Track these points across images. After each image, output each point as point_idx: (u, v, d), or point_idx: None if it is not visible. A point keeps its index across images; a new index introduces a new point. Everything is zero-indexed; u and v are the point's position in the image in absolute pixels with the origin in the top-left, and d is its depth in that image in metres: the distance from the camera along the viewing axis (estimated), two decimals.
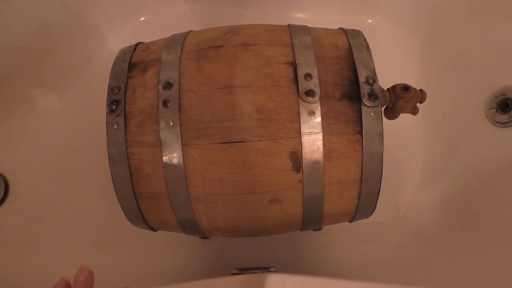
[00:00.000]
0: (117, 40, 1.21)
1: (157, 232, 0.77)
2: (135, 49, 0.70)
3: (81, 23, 1.16)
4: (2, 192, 1.10)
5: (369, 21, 1.20)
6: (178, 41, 0.67)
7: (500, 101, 0.92)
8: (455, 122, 1.01)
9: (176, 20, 1.22)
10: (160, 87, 0.61)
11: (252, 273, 0.72)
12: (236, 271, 0.76)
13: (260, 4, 1.19)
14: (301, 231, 0.75)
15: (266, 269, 0.75)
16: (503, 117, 0.91)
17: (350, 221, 0.75)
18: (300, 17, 1.19)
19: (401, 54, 1.15)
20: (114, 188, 0.64)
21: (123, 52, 0.70)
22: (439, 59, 1.08)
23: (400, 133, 1.01)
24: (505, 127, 0.91)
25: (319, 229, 1.01)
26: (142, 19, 1.24)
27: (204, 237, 0.99)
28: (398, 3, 1.15)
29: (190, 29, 0.74)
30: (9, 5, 1.02)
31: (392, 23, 1.17)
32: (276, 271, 0.73)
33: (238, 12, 1.20)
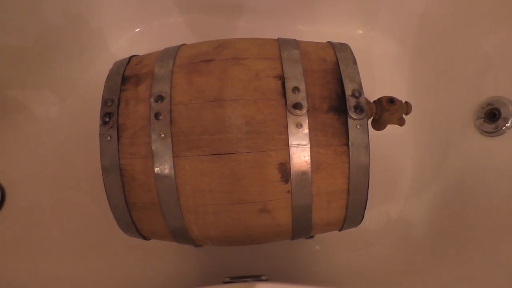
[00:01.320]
0: (113, 50, 1.23)
1: (150, 240, 0.78)
2: (128, 62, 0.72)
3: (77, 33, 1.18)
4: None
5: (360, 32, 1.22)
6: (171, 54, 0.69)
7: (488, 111, 0.94)
8: (444, 131, 1.03)
9: (171, 31, 1.24)
10: (152, 100, 0.63)
11: (243, 281, 0.73)
12: (228, 279, 0.77)
13: (254, 16, 1.21)
14: (291, 240, 0.76)
15: (257, 278, 0.77)
16: (490, 127, 0.93)
17: (339, 230, 0.76)
18: (293, 29, 1.21)
19: (391, 64, 1.17)
20: (107, 198, 0.65)
21: (117, 65, 0.72)
22: (428, 69, 1.10)
23: (390, 143, 1.03)
24: (493, 136, 0.92)
25: (311, 237, 1.02)
26: (137, 30, 1.26)
27: (197, 245, 1.00)
28: (389, 15, 1.17)
29: (186, 41, 0.76)
30: (6, 15, 1.04)
31: (382, 34, 1.20)
32: (267, 280, 0.74)
33: (233, 24, 1.22)
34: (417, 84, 1.12)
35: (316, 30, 1.19)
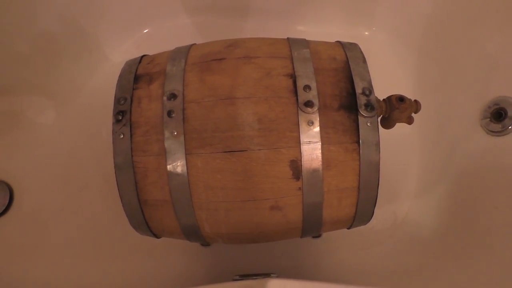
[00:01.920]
0: (120, 52, 1.24)
1: (159, 239, 0.79)
2: (140, 61, 0.73)
3: (85, 35, 1.19)
4: (7, 200, 1.11)
5: (366, 33, 1.23)
6: (182, 53, 0.70)
7: (494, 111, 0.94)
8: (451, 131, 1.04)
9: (178, 33, 1.25)
10: (165, 98, 0.64)
11: (253, 279, 0.74)
12: (237, 277, 0.78)
13: (260, 17, 1.22)
14: (300, 237, 0.76)
15: (267, 275, 0.77)
16: (497, 126, 0.93)
17: (348, 228, 0.77)
18: (299, 29, 1.22)
19: (397, 65, 1.18)
20: (120, 195, 0.66)
21: (128, 64, 0.73)
22: (434, 70, 1.11)
23: (397, 142, 1.03)
24: (499, 135, 0.93)
25: (319, 236, 1.03)
26: (145, 31, 1.27)
27: (205, 244, 1.01)
28: (394, 16, 1.18)
29: (193, 42, 0.77)
30: (14, 18, 1.05)
31: (389, 35, 1.20)
32: (276, 277, 0.74)
33: (239, 25, 1.23)
34: (423, 85, 1.12)
35: (323, 32, 1.20)
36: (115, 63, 1.21)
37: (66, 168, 1.16)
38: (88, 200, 1.12)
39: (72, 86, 1.21)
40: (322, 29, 1.21)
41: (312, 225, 0.69)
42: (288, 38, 0.73)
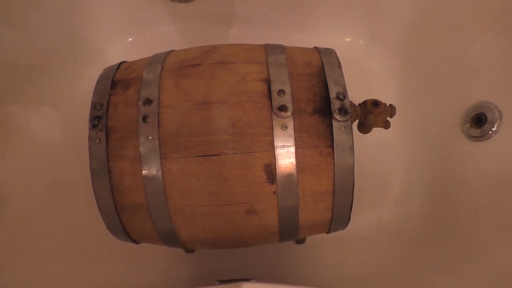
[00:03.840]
0: (106, 59, 1.24)
1: (141, 245, 0.79)
2: (118, 68, 0.73)
3: (71, 43, 1.20)
4: None
5: (347, 40, 1.24)
6: (159, 60, 0.71)
7: (474, 116, 0.95)
8: (432, 136, 1.05)
9: (164, 41, 1.25)
10: (140, 103, 0.64)
11: (230, 284, 0.74)
12: (217, 283, 0.77)
13: (245, 25, 1.23)
14: (279, 242, 0.77)
15: (247, 281, 0.77)
16: (477, 131, 0.94)
17: (327, 233, 0.77)
18: (282, 36, 1.22)
19: (380, 72, 1.19)
20: (96, 200, 0.66)
21: (106, 71, 0.73)
22: (416, 75, 1.12)
23: (379, 148, 1.04)
24: (479, 140, 0.94)
25: (302, 242, 1.03)
26: (130, 39, 1.28)
27: (189, 250, 1.01)
28: (377, 22, 1.19)
29: (173, 49, 0.78)
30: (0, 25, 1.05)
31: (371, 41, 1.22)
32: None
33: (224, 33, 1.24)
34: (406, 90, 1.14)
35: (308, 38, 1.22)
36: (100, 71, 1.22)
37: (52, 175, 1.16)
38: (73, 206, 1.11)
39: (57, 94, 1.21)
40: (306, 36, 1.22)
41: (288, 229, 0.69)
42: (265, 44, 0.74)
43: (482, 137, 0.93)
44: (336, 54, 0.72)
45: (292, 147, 0.62)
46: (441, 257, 0.91)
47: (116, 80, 0.70)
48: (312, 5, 1.21)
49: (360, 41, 1.23)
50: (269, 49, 0.71)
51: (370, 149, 0.99)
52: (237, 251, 0.99)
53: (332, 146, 0.63)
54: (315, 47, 0.75)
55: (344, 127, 0.63)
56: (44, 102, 1.20)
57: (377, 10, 1.18)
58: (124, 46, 1.27)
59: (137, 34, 1.27)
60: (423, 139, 1.07)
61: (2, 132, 1.18)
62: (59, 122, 1.20)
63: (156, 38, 1.26)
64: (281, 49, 0.71)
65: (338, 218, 0.70)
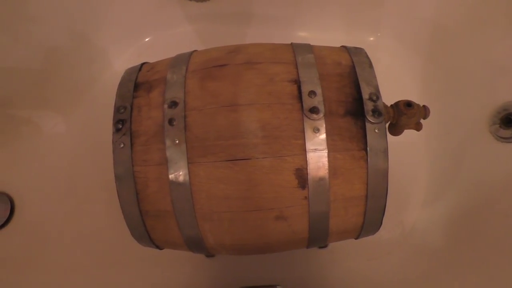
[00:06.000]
0: (122, 61, 1.23)
1: (162, 251, 0.77)
2: (140, 69, 0.71)
3: (86, 45, 1.18)
4: (8, 212, 1.10)
5: (371, 39, 1.21)
6: (183, 60, 0.68)
7: (503, 116, 0.92)
8: (459, 138, 1.02)
9: (179, 41, 1.24)
10: (165, 106, 0.62)
11: None
12: None
13: (262, 23, 1.21)
14: (307, 248, 0.74)
15: (272, 287, 0.75)
16: (507, 132, 0.91)
17: (356, 238, 0.74)
18: (302, 36, 1.21)
19: (403, 71, 1.16)
20: (121, 206, 0.64)
21: (128, 73, 0.71)
22: (441, 75, 1.09)
23: (404, 150, 1.01)
24: (509, 142, 0.91)
25: (325, 246, 1.01)
26: (146, 40, 1.27)
27: (209, 255, 0.99)
28: (399, 22, 1.17)
29: (194, 49, 0.76)
30: (15, 28, 1.04)
31: (394, 40, 1.19)
32: None
33: (241, 32, 1.22)
34: (430, 90, 1.11)
35: (327, 38, 1.19)
36: (116, 72, 1.20)
37: (68, 179, 1.14)
38: (90, 211, 1.10)
39: (73, 96, 1.20)
40: (326, 35, 1.20)
41: (318, 236, 0.67)
42: (292, 43, 0.71)
43: None
44: (366, 53, 0.69)
45: (325, 151, 0.59)
46: (468, 262, 0.88)
47: (138, 82, 0.68)
48: (331, 4, 1.18)
49: (382, 40, 1.20)
50: (296, 48, 0.69)
51: (394, 151, 0.96)
52: (259, 256, 0.96)
53: (365, 150, 0.60)
54: (343, 46, 0.73)
55: (378, 130, 0.61)
56: (59, 105, 1.19)
57: (400, 8, 1.15)
58: (140, 47, 1.25)
59: (153, 34, 1.26)
60: (449, 141, 1.04)
61: (16, 136, 1.18)
62: (74, 125, 1.19)
63: (173, 38, 1.24)
64: (308, 48, 0.69)
65: (370, 224, 0.67)
